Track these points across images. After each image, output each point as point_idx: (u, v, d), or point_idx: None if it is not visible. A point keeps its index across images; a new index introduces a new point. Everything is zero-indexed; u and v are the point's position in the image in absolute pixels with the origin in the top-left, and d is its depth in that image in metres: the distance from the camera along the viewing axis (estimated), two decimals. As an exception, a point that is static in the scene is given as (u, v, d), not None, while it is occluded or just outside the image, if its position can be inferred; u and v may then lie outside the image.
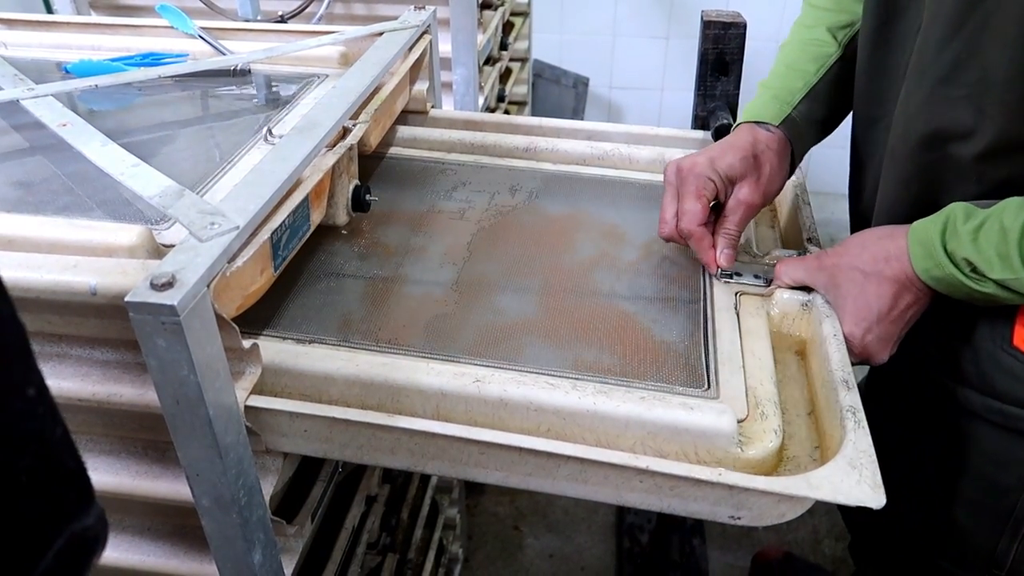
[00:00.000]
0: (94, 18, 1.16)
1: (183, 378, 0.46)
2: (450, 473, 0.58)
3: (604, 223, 0.81)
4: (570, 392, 0.57)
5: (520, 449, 0.54)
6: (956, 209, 0.62)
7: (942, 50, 0.63)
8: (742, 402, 0.59)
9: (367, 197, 0.75)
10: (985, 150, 0.63)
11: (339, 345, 0.63)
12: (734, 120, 0.92)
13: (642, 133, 0.93)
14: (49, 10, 1.70)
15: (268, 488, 0.59)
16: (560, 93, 2.60)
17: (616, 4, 2.57)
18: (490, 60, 1.51)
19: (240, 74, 0.91)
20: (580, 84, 2.62)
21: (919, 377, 0.79)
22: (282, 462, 0.61)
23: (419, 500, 1.14)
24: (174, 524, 0.64)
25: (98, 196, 0.65)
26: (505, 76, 1.69)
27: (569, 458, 0.54)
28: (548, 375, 0.60)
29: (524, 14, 1.80)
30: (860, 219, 0.83)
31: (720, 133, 0.89)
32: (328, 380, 0.59)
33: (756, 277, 0.72)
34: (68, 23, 1.01)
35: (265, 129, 0.75)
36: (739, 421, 0.57)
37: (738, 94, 0.96)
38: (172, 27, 0.98)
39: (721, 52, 0.93)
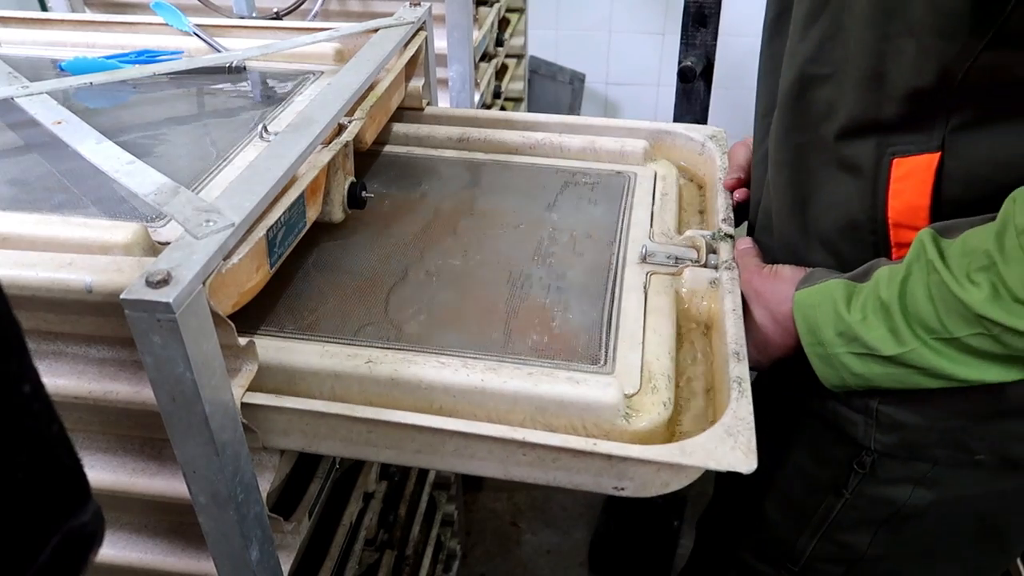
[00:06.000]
0: (89, 15, 1.16)
1: (179, 375, 0.46)
2: (344, 453, 0.60)
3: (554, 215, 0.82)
4: (459, 370, 0.59)
5: (405, 426, 0.55)
6: (835, 292, 0.62)
7: (809, 29, 0.64)
8: (635, 376, 0.61)
9: (363, 194, 0.75)
10: (842, 129, 0.63)
11: (256, 333, 0.64)
12: (710, 67, 1.09)
13: (626, 126, 0.95)
14: (44, 7, 1.69)
15: (265, 485, 0.59)
16: (556, 89, 2.60)
17: (612, 0, 2.57)
18: (486, 56, 1.51)
19: (235, 71, 0.91)
20: (576, 80, 2.62)
21: (775, 378, 0.82)
22: (279, 459, 0.61)
23: (416, 497, 1.15)
24: (171, 521, 0.64)
25: (93, 194, 0.65)
26: (501, 72, 1.69)
27: (453, 433, 0.55)
28: (441, 354, 0.61)
29: (520, 10, 1.80)
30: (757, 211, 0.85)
31: (683, 74, 0.99)
32: None
33: (668, 257, 0.74)
34: (63, 20, 1.01)
35: (260, 126, 0.75)
36: (631, 395, 0.59)
37: (715, 45, 1.12)
38: (167, 24, 0.98)
39: (701, 5, 1.04)
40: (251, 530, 0.56)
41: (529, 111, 2.01)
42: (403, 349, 0.62)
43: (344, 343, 0.63)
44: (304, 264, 0.73)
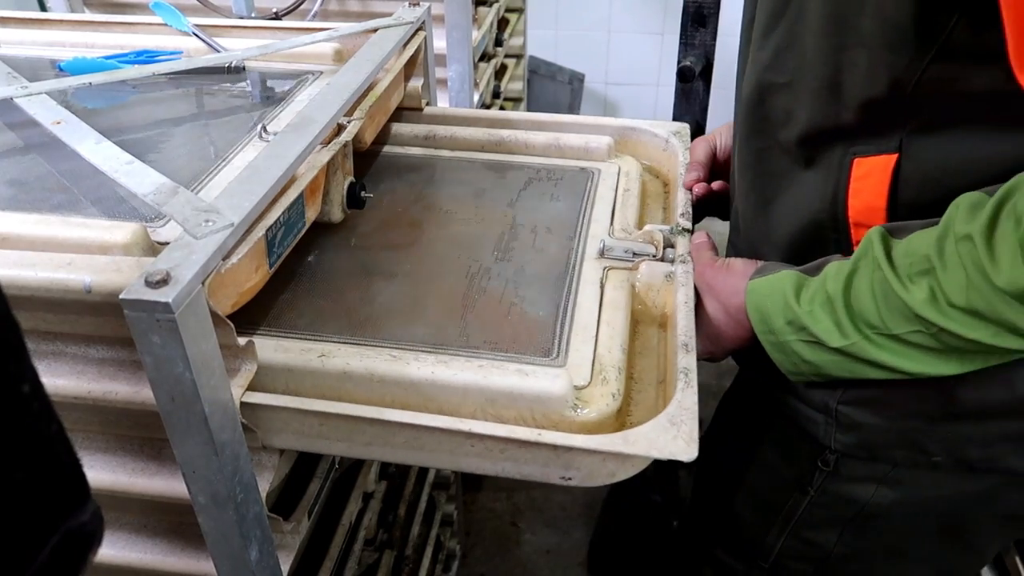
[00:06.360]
0: (88, 15, 1.16)
1: (178, 375, 0.46)
2: (297, 446, 0.60)
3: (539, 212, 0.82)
4: (411, 363, 0.59)
5: (354, 418, 0.56)
6: (786, 283, 0.63)
7: (767, 37, 0.65)
8: (586, 369, 0.61)
9: (362, 194, 0.75)
10: (803, 134, 0.64)
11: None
12: (709, 67, 1.09)
13: (592, 123, 0.95)
14: (43, 8, 1.69)
15: (264, 485, 0.59)
16: (556, 89, 2.60)
17: (611, 0, 2.57)
18: (485, 56, 1.51)
19: (234, 71, 0.91)
20: (576, 80, 2.63)
21: (744, 376, 0.84)
22: (278, 458, 0.61)
23: (416, 496, 1.15)
24: (171, 521, 0.64)
25: (92, 194, 0.65)
26: (500, 72, 1.69)
27: (402, 425, 0.55)
28: (394, 348, 0.61)
29: (519, 10, 1.81)
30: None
31: (682, 74, 0.99)
32: None
33: (625, 252, 0.74)
34: (62, 21, 1.01)
35: (260, 126, 0.75)
36: (582, 387, 0.59)
37: (715, 45, 1.13)
38: (166, 24, 0.98)
39: (700, 5, 1.05)
40: (250, 530, 0.56)
41: (528, 111, 2.01)
42: (357, 343, 0.63)
43: (298, 338, 0.63)
44: (288, 263, 0.73)
